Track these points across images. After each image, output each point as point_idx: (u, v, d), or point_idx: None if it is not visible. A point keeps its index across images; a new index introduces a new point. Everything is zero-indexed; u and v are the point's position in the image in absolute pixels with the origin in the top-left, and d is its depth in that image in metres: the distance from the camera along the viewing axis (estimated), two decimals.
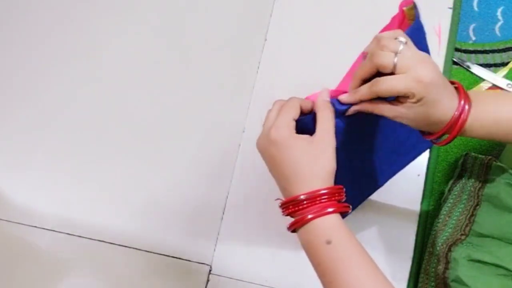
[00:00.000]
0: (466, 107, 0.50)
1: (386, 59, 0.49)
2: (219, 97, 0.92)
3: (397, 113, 0.51)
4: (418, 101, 0.49)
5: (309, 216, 0.49)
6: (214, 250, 0.83)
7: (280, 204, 0.53)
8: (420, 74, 0.48)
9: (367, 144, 0.66)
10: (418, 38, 0.57)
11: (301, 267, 0.80)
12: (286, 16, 0.95)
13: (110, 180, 0.88)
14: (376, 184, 0.76)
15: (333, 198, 0.50)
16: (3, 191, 0.89)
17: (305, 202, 0.50)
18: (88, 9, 0.99)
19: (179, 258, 0.83)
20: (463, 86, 0.53)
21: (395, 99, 0.51)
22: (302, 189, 0.50)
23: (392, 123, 0.57)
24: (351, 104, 0.54)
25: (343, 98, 0.54)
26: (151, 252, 0.84)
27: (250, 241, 0.83)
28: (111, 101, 0.93)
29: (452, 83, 0.53)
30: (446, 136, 0.53)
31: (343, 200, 0.52)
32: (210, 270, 0.82)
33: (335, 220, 0.50)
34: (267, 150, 0.52)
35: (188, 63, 0.94)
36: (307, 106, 0.54)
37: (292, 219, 0.52)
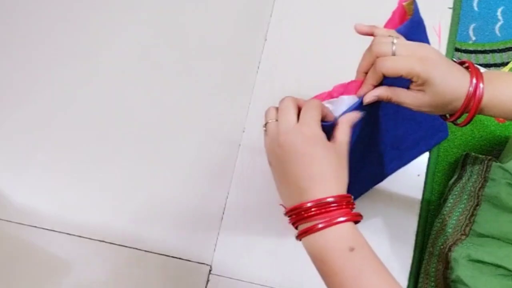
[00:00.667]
0: (481, 84, 0.50)
1: (384, 47, 0.50)
2: (219, 97, 0.92)
3: (415, 98, 0.51)
4: (426, 81, 0.49)
5: (320, 225, 0.47)
6: (214, 250, 0.83)
7: (285, 212, 0.51)
8: (421, 54, 0.49)
9: (370, 136, 0.65)
10: (418, 31, 0.57)
11: (301, 267, 0.80)
12: (286, 16, 0.95)
13: (110, 180, 0.88)
14: (375, 181, 0.77)
15: (343, 207, 0.48)
16: (3, 191, 0.89)
17: (312, 210, 0.48)
18: (88, 9, 0.99)
19: (179, 258, 0.83)
20: (473, 63, 0.52)
21: (409, 87, 0.52)
22: (315, 195, 0.48)
23: (395, 118, 0.58)
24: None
25: (360, 92, 0.54)
26: (151, 252, 0.84)
27: (250, 241, 0.83)
28: (111, 101, 0.93)
29: (462, 62, 0.53)
30: (466, 116, 0.52)
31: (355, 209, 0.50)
32: (210, 270, 0.82)
33: (351, 227, 0.48)
34: (294, 147, 0.49)
35: (188, 63, 0.94)
36: (324, 110, 0.53)
37: (300, 226, 0.50)
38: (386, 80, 0.52)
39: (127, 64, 0.95)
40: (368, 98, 0.53)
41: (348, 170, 0.51)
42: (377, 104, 0.54)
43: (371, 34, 0.55)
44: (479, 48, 0.92)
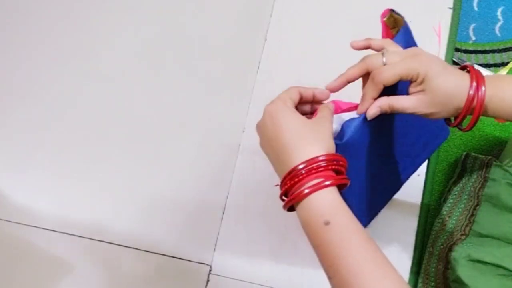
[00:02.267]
0: (482, 87, 0.50)
1: (375, 59, 0.51)
2: (219, 97, 0.92)
3: (416, 101, 0.51)
4: (425, 76, 0.49)
5: (306, 191, 0.47)
6: (214, 250, 0.83)
7: (280, 183, 0.50)
8: (412, 53, 0.51)
9: (382, 153, 0.65)
10: (411, 36, 0.58)
11: (301, 267, 0.80)
12: (286, 16, 0.95)
13: (110, 180, 0.88)
14: (393, 191, 0.76)
15: (330, 167, 0.48)
16: (3, 191, 0.89)
17: (303, 171, 0.47)
18: (88, 9, 0.99)
19: (179, 258, 0.83)
20: (473, 66, 0.52)
21: (407, 93, 0.52)
22: (300, 157, 0.48)
23: (403, 126, 0.58)
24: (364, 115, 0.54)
25: (361, 109, 0.54)
26: (151, 252, 0.84)
27: (250, 241, 0.83)
28: (111, 101, 0.93)
29: (464, 67, 0.53)
30: (469, 119, 0.52)
31: (343, 172, 0.50)
32: (210, 270, 0.82)
33: (332, 197, 0.47)
34: (264, 125, 0.51)
35: (188, 63, 0.94)
36: (307, 93, 0.54)
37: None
38: (385, 92, 0.52)
39: (127, 64, 0.95)
40: (372, 111, 0.53)
41: (332, 138, 0.51)
42: (381, 117, 0.54)
43: (368, 47, 0.56)
44: (479, 48, 0.92)
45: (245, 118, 0.89)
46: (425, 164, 0.84)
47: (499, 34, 0.92)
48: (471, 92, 0.50)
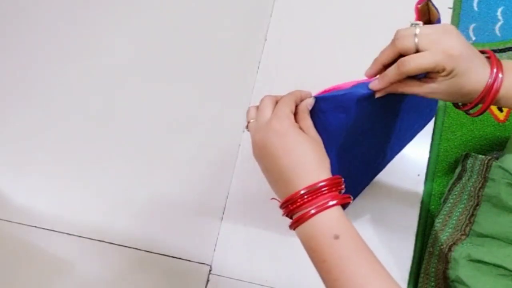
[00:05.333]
0: (500, 75, 0.49)
1: (407, 41, 0.49)
2: (219, 97, 0.92)
3: (429, 89, 0.50)
4: (449, 73, 0.48)
5: (312, 211, 0.47)
6: (214, 250, 0.83)
7: (280, 205, 0.52)
8: (447, 46, 0.48)
9: (375, 130, 0.66)
10: None
11: (301, 267, 0.80)
12: (286, 16, 0.95)
13: (110, 180, 0.88)
14: (378, 169, 0.78)
15: (333, 189, 0.48)
16: (3, 191, 0.89)
17: (305, 196, 0.48)
18: (88, 9, 0.99)
19: (179, 258, 0.83)
20: (495, 54, 0.52)
21: (425, 76, 0.51)
22: (303, 183, 0.48)
23: (400, 110, 0.58)
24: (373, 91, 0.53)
25: (373, 85, 0.53)
26: (151, 252, 0.84)
27: (250, 241, 0.83)
28: (110, 101, 0.93)
29: (484, 52, 0.52)
30: (480, 106, 0.52)
31: (343, 191, 0.50)
32: (210, 270, 0.82)
33: (338, 213, 0.48)
34: (268, 142, 0.50)
35: (188, 63, 0.94)
36: (299, 100, 0.54)
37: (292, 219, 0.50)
38: None
39: (127, 65, 0.95)
40: (381, 93, 0.53)
41: (325, 153, 0.51)
42: (386, 100, 0.55)
43: (382, 69, 0.53)
44: (479, 48, 0.92)
45: (245, 119, 0.89)
46: (425, 164, 0.84)
47: (499, 34, 0.92)
48: (490, 81, 0.49)
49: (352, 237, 0.47)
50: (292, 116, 0.51)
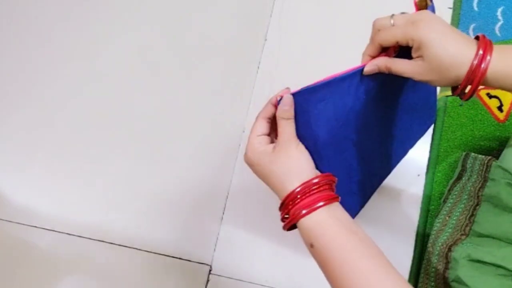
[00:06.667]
0: (488, 57, 0.48)
1: (383, 21, 0.52)
2: (219, 97, 0.92)
3: (414, 67, 0.51)
4: (421, 43, 0.48)
5: (319, 204, 0.50)
6: (214, 250, 0.83)
7: (281, 202, 0.54)
8: (416, 18, 0.50)
9: (375, 128, 0.66)
10: None
11: (301, 267, 0.80)
12: (286, 16, 0.95)
13: (110, 180, 0.88)
14: (383, 177, 0.78)
15: (306, 195, 0.51)
16: (3, 191, 0.89)
17: (283, 208, 0.52)
18: (88, 9, 0.99)
19: (179, 258, 0.83)
20: (485, 36, 0.51)
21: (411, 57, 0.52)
22: (281, 196, 0.53)
23: (399, 106, 0.58)
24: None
25: (365, 70, 0.54)
26: (151, 252, 0.84)
27: (250, 241, 0.83)
28: (111, 101, 0.93)
29: (477, 37, 0.51)
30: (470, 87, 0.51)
31: (334, 184, 0.53)
32: (210, 270, 0.82)
33: (321, 218, 0.50)
34: (251, 169, 0.57)
35: (188, 63, 0.94)
36: (272, 112, 0.56)
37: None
38: (399, 56, 0.53)
39: (127, 64, 0.95)
40: (368, 67, 0.54)
41: (303, 153, 0.54)
42: (377, 81, 0.55)
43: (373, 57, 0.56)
44: None
45: (245, 118, 0.89)
46: (425, 164, 0.84)
47: (499, 34, 0.92)
48: (475, 62, 0.48)
49: (327, 244, 0.49)
50: (258, 141, 0.55)
